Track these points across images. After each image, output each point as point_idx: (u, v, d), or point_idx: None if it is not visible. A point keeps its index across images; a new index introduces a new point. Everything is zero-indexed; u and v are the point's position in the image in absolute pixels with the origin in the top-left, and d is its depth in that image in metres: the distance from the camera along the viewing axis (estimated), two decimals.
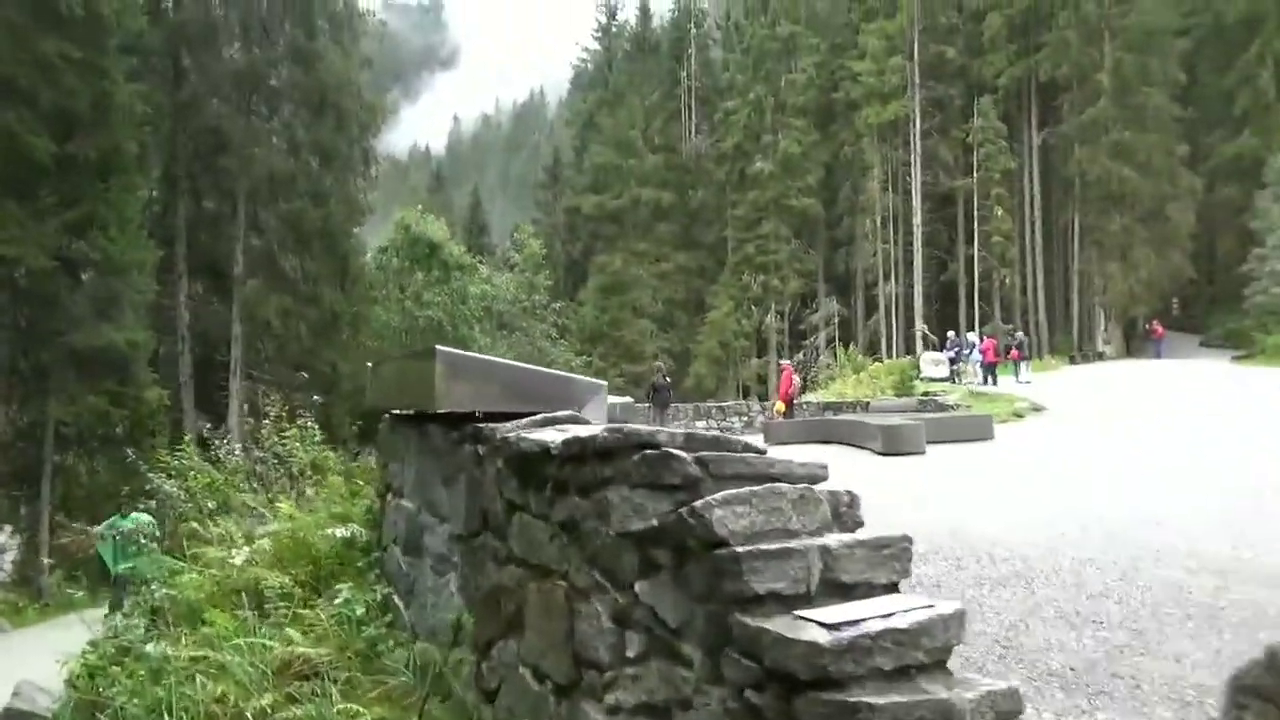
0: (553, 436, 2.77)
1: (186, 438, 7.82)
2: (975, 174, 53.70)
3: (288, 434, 7.33)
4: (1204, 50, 54.05)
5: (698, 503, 2.07)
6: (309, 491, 6.86)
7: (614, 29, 66.74)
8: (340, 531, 4.71)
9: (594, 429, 2.51)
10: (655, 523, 2.21)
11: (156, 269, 24.37)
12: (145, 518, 14.27)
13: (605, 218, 60.54)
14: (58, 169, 18.91)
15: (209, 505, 6.57)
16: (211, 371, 30.68)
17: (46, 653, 10.97)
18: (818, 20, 60.56)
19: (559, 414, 3.18)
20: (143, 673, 4.30)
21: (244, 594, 4.98)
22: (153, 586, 5.68)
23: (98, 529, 14.62)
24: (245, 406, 29.21)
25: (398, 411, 4.25)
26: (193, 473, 6.83)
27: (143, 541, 13.54)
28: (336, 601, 3.99)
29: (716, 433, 2.46)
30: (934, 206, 57.75)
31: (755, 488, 2.11)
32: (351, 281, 29.69)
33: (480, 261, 37.09)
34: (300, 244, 28.36)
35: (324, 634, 3.80)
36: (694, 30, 63.84)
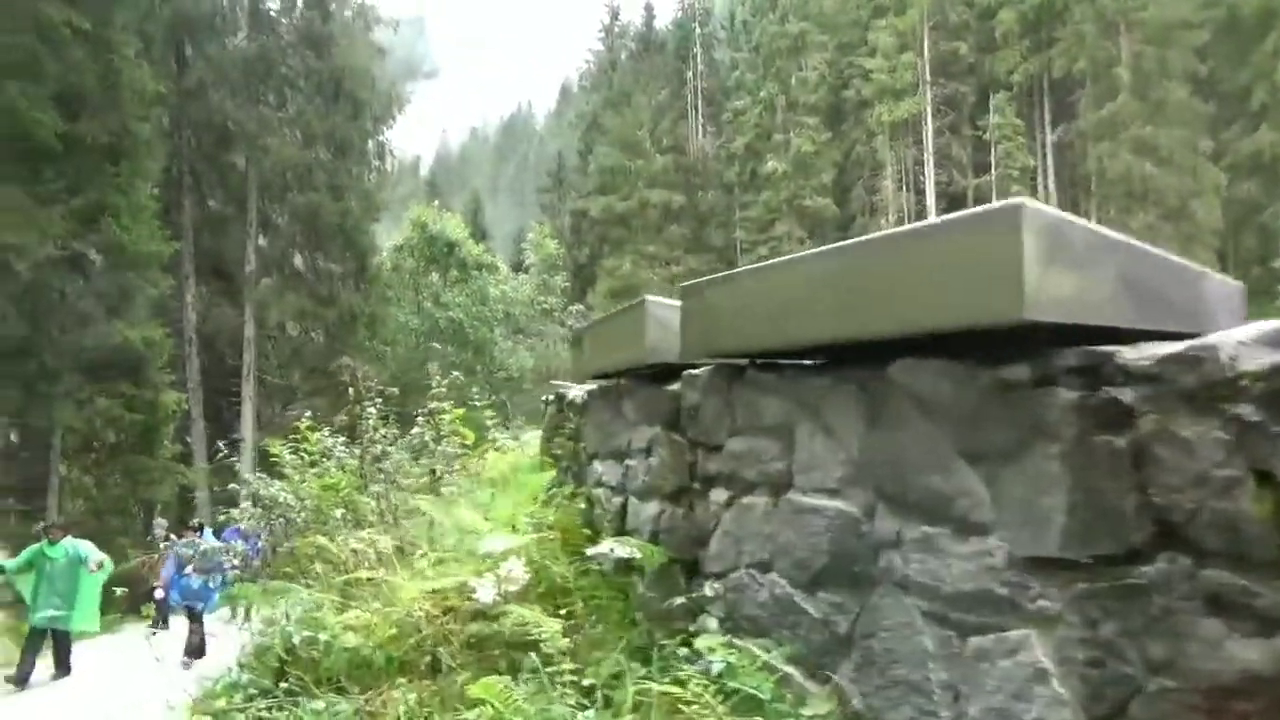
0: None
1: (278, 445, 6.13)
2: (993, 172, 52.52)
3: (443, 415, 5.66)
4: (1218, 44, 53.16)
5: None
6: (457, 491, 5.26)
7: (617, 29, 65.29)
8: (620, 551, 3.12)
9: None
10: None
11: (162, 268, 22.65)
12: (85, 546, 11.07)
13: (613, 220, 58.98)
14: (64, 151, 17.19)
15: (335, 514, 4.96)
16: (219, 378, 28.94)
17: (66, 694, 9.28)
18: (824, 18, 59.39)
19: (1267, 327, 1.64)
20: None
21: (444, 648, 3.40)
22: (287, 625, 4.08)
23: (8, 564, 11.46)
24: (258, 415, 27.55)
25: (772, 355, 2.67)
26: (311, 471, 5.19)
27: (92, 572, 10.61)
28: (714, 670, 2.41)
29: None
30: (948, 206, 56.54)
31: None
32: (368, 281, 27.99)
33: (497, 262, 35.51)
34: (316, 240, 26.67)
35: None
36: (699, 30, 62.52)
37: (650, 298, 3.31)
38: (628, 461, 3.74)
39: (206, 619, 11.63)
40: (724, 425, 2.90)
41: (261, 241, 27.37)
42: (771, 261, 2.61)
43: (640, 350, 3.27)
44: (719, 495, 2.94)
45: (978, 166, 55.37)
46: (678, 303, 3.28)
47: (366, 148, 28.79)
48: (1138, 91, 48.40)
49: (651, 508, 3.42)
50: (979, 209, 1.84)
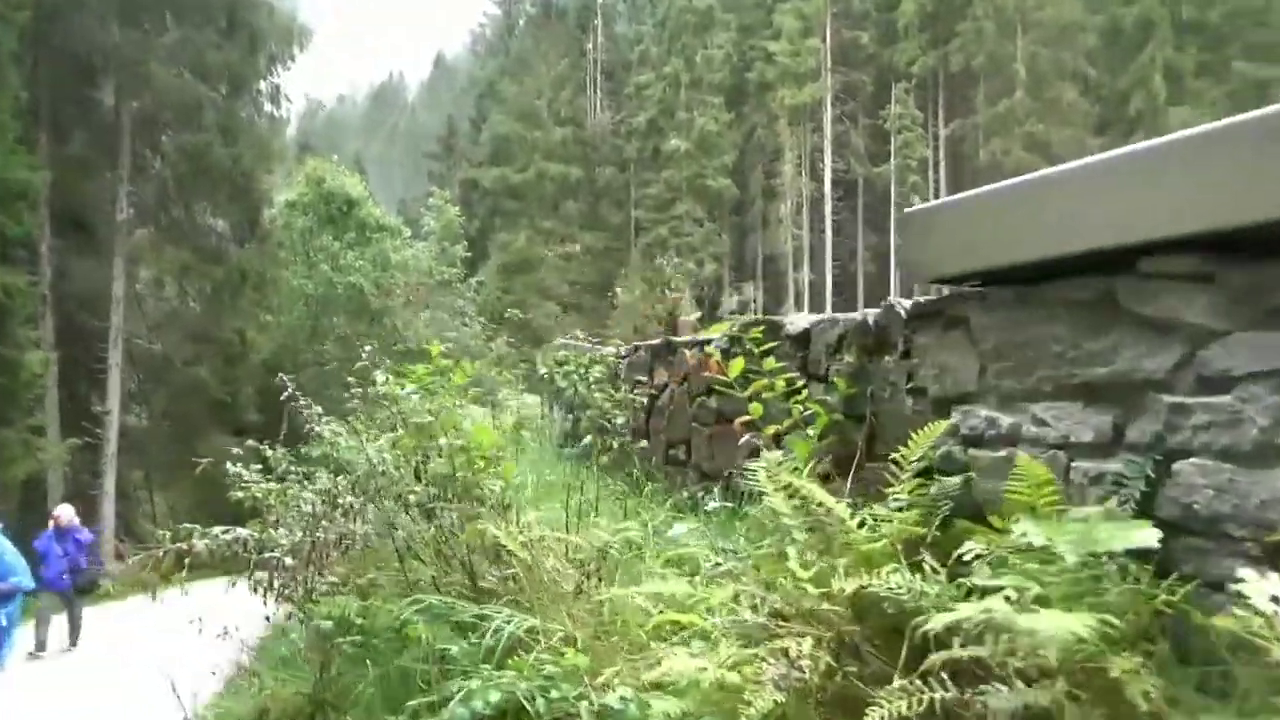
0: None
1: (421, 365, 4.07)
2: (893, 161, 52.94)
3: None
4: (1101, 50, 55.35)
5: None
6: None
7: None
8: None
9: None
10: None
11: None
12: None
13: (506, 192, 56.57)
14: None
15: (493, 488, 3.14)
16: (77, 342, 25.36)
17: None
18: None
19: None
20: None
21: None
22: (514, 678, 2.34)
23: None
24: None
25: None
26: (452, 426, 3.28)
27: None
28: None
29: None
30: (844, 194, 56.93)
31: None
32: (260, 238, 25.04)
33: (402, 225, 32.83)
34: (204, 188, 23.54)
35: None
36: (600, 0, 60.70)
37: None
38: (1171, 399, 2.14)
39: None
40: None
41: (143, 183, 23.97)
42: None
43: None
44: None
45: (873, 155, 55.79)
46: None
47: (259, 88, 25.68)
48: (1032, 90, 49.71)
49: None
50: None
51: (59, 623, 11.34)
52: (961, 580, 2.12)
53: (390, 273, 30.17)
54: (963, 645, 1.84)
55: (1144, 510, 2.17)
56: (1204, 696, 1.72)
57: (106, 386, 23.79)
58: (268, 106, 26.57)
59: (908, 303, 3.10)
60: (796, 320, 3.66)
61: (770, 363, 3.08)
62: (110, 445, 23.62)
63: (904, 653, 2.03)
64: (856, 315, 3.35)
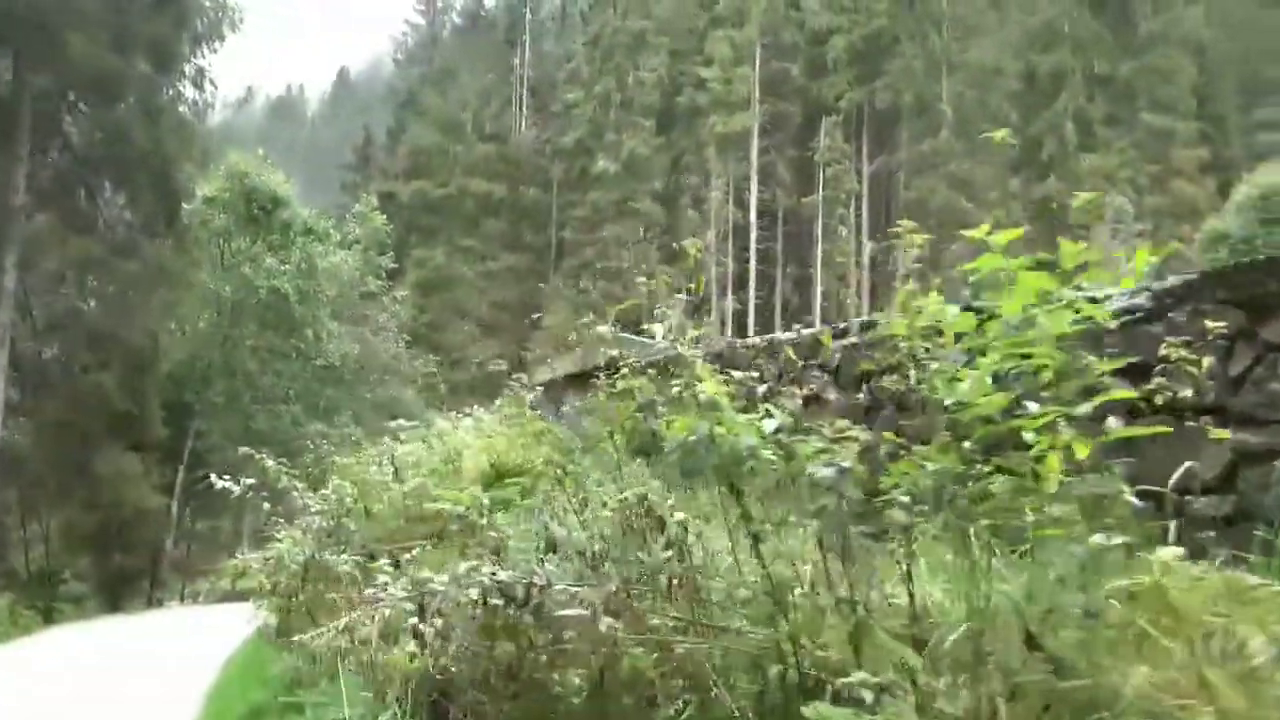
0: None
1: None
2: (820, 193, 53.01)
3: None
4: (1017, 95, 57.06)
5: None
6: None
7: (439, 3, 60.74)
8: None
9: None
10: None
11: None
12: None
13: (424, 207, 54.27)
14: None
15: None
16: None
17: None
18: (661, 21, 58.09)
19: None
20: None
21: None
22: None
23: None
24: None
25: None
26: None
27: None
28: None
29: None
30: (769, 224, 56.82)
31: None
32: (177, 234, 22.52)
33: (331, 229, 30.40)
34: (118, 173, 20.95)
35: None
36: (529, 16, 59.31)
37: None
38: None
39: None
40: None
41: (46, 163, 21.16)
42: None
43: None
44: None
45: (800, 187, 55.79)
46: None
47: (183, 69, 23.21)
48: (958, 130, 50.61)
49: None
50: None
51: None
52: None
53: (315, 280, 27.81)
54: None
55: None
56: None
57: None
58: (190, 91, 24.08)
59: None
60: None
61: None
62: None
63: None
64: None
